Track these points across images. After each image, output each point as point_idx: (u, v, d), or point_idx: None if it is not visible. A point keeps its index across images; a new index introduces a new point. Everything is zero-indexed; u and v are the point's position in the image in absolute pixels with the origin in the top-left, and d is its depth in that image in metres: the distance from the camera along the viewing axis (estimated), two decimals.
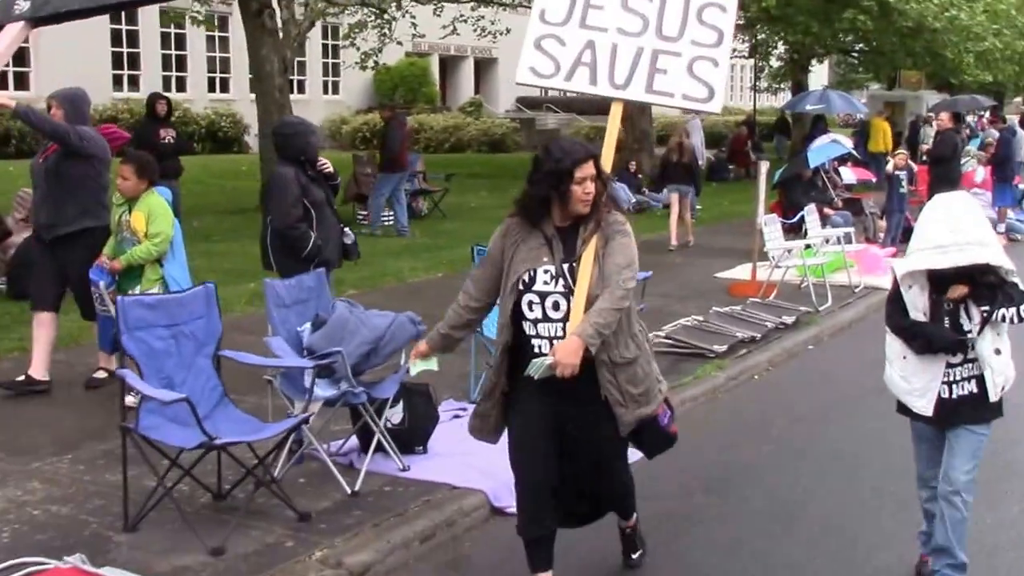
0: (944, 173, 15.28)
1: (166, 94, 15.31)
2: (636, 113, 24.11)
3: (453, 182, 20.27)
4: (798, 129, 33.27)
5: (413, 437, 6.40)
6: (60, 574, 4.80)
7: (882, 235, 15.38)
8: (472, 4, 25.80)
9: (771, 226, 12.18)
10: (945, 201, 4.67)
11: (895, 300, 4.77)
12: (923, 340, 4.66)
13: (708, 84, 5.35)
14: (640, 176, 21.49)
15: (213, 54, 36.64)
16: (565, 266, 4.46)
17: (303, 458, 6.12)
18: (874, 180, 17.74)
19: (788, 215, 13.43)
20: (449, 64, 45.63)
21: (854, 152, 17.48)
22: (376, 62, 25.46)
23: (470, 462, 6.13)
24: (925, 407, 4.71)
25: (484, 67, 46.75)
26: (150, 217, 7.29)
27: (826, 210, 14.47)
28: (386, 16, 23.76)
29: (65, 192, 7.75)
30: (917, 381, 4.72)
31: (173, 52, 35.34)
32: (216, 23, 30.10)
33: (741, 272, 13.11)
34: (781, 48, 32.49)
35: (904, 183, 15.08)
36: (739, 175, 26.56)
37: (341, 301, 6.55)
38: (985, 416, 4.72)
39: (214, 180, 23.28)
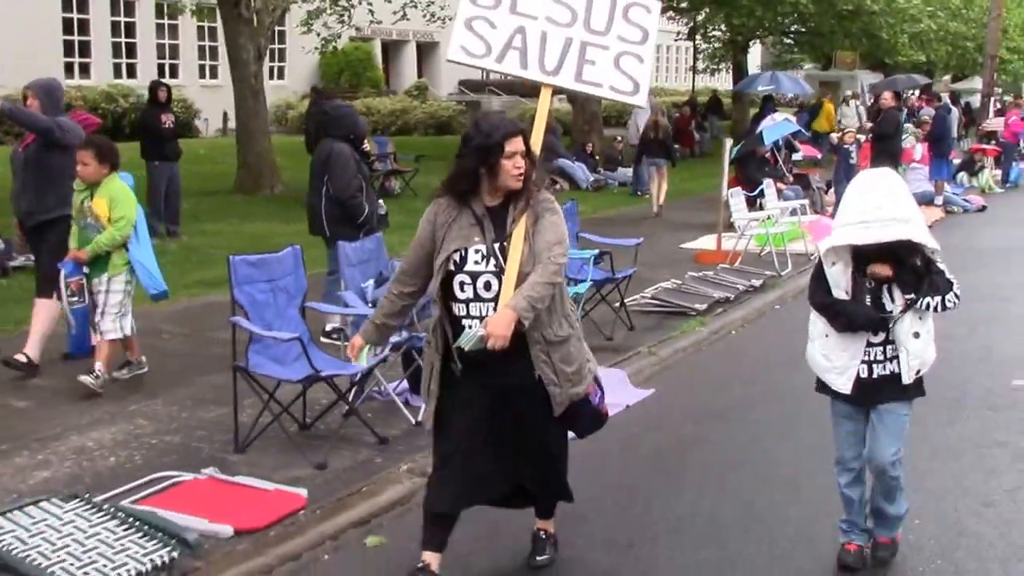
0: (887, 148, 16.43)
1: (164, 81, 15.93)
2: (584, 98, 25.09)
3: (422, 163, 21.15)
4: (738, 109, 34.59)
5: None
6: (199, 484, 5.71)
7: (830, 208, 16.52)
8: None
9: (736, 199, 13.26)
10: (870, 177, 4.70)
11: (818, 277, 4.77)
12: (844, 318, 4.66)
13: (633, 78, 5.50)
14: (596, 156, 22.46)
15: (163, 41, 37.01)
16: (496, 245, 4.44)
17: (368, 396, 7.03)
18: (819, 156, 18.93)
19: (746, 189, 14.50)
20: (392, 48, 46.21)
21: (803, 131, 18.67)
22: (335, 47, 26.10)
23: None
24: (844, 384, 4.73)
25: (426, 51, 47.36)
26: (112, 202, 7.24)
27: (779, 184, 15.57)
28: (343, 3, 24.39)
29: (45, 181, 7.91)
30: (837, 359, 4.74)
31: (123, 40, 35.65)
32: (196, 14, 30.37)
33: (705, 243, 14.15)
34: (720, 31, 33.66)
35: (854, 155, 16.26)
36: (684, 154, 27.65)
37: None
38: (906, 396, 4.75)
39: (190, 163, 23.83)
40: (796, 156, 18.05)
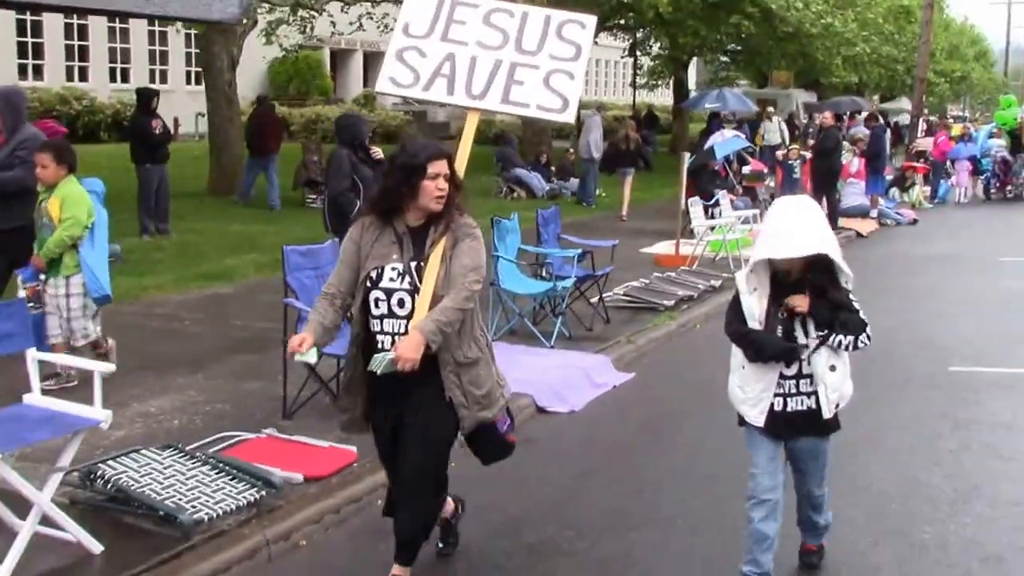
0: (828, 164, 17.68)
1: (154, 88, 16.61)
2: None
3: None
4: (678, 124, 35.90)
5: None
6: (261, 441, 6.55)
7: None
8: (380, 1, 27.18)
9: (696, 207, 14.35)
10: (787, 201, 4.75)
11: (735, 308, 4.76)
12: (754, 348, 4.66)
13: (563, 95, 5.50)
14: (551, 167, 23.45)
15: (115, 45, 37.41)
16: (413, 264, 4.49)
17: None
18: (765, 170, 20.15)
19: (700, 199, 15.56)
20: (340, 57, 46.98)
21: (752, 146, 19.89)
22: (297, 56, 26.76)
23: (515, 375, 8.00)
24: (757, 417, 4.71)
25: (373, 60, 48.17)
26: (64, 203, 7.22)
27: (730, 196, 16.71)
28: (304, 14, 25.08)
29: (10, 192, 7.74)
30: (751, 391, 4.73)
31: (76, 42, 36.01)
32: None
33: (663, 247, 15.19)
34: (657, 48, 34.91)
35: (797, 170, 17.46)
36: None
37: None
38: (823, 431, 4.77)
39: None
40: (745, 169, 19.24)
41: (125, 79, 37.48)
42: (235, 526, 5.30)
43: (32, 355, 5.16)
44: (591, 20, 5.76)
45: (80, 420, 4.93)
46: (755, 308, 4.65)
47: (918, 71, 30.92)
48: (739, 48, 33.54)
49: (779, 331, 4.62)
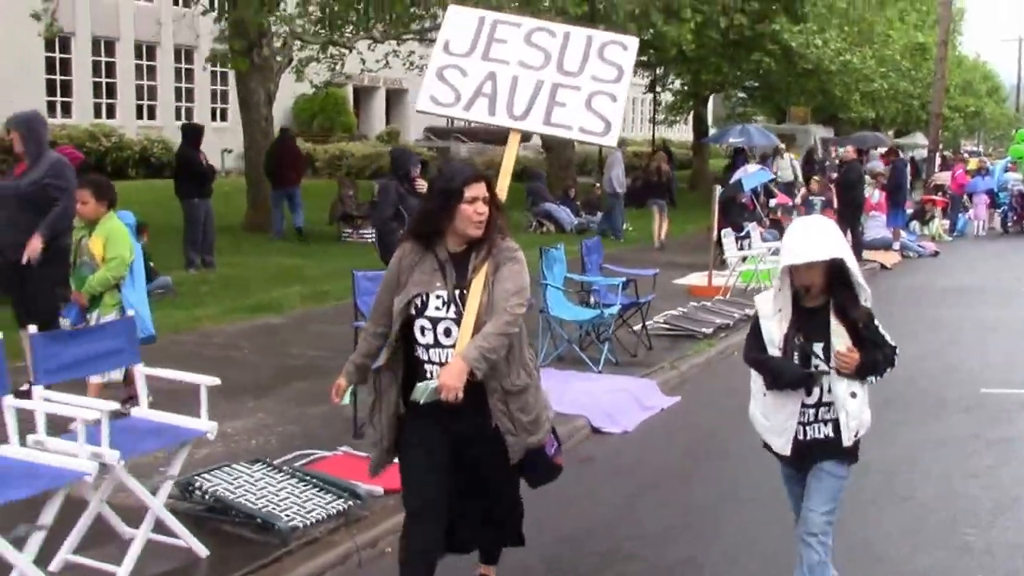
0: (851, 197, 18.08)
1: (199, 123, 17.10)
2: (559, 145, 26.56)
3: None
4: (698, 160, 36.38)
5: None
6: (337, 459, 6.91)
7: None
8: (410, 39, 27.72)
9: (728, 239, 14.75)
10: (805, 219, 4.77)
11: (754, 334, 4.69)
12: (772, 375, 4.57)
13: (605, 118, 5.35)
14: (579, 202, 23.88)
15: (141, 82, 38.05)
16: (457, 292, 4.40)
17: None
18: (791, 204, 20.57)
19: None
20: (362, 94, 47.66)
21: (777, 179, 20.33)
22: (326, 92, 27.29)
23: (570, 398, 8.39)
24: (783, 446, 4.64)
25: (395, 97, 48.91)
26: (108, 241, 7.13)
27: (758, 228, 17.12)
28: (334, 51, 25.63)
29: (38, 216, 7.82)
30: (774, 419, 4.65)
31: (104, 80, 36.67)
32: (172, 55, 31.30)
33: (695, 279, 15.57)
34: (678, 83, 35.44)
35: (818, 206, 17.86)
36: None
37: None
38: (842, 458, 4.61)
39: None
40: (771, 202, 19.66)
41: (152, 116, 38.17)
42: (326, 534, 5.67)
43: (139, 371, 5.55)
44: (633, 42, 5.62)
45: (188, 431, 5.32)
46: (775, 333, 4.54)
47: (933, 106, 31.37)
48: (757, 84, 34.02)
49: (795, 357, 4.49)
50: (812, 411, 4.58)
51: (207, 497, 5.78)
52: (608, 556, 5.85)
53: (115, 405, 4.95)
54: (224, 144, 37.49)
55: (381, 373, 4.52)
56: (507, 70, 5.38)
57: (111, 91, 36.98)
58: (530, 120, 5.31)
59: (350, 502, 5.92)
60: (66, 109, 35.29)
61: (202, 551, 5.30)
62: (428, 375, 4.40)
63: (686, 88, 35.22)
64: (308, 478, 6.14)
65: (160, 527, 5.26)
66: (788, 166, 26.23)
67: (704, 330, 11.51)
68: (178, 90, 39.48)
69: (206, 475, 5.99)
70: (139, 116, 37.72)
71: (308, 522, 5.62)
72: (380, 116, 48.50)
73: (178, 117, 38.98)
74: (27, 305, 7.80)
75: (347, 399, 4.77)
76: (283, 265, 15.76)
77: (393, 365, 4.48)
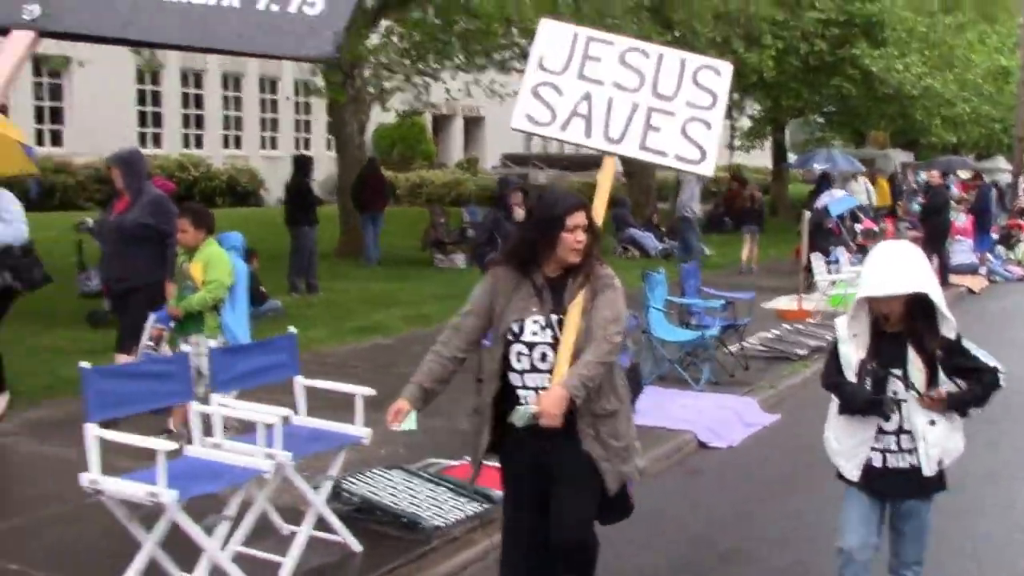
0: (937, 222, 18.24)
1: (308, 154, 17.85)
2: (640, 171, 26.92)
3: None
4: (777, 185, 36.50)
5: None
6: (465, 467, 7.31)
7: None
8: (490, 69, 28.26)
9: (818, 263, 15.02)
10: (888, 245, 4.68)
11: (832, 358, 4.67)
12: (844, 399, 4.55)
13: (701, 146, 5.23)
14: (661, 228, 24.22)
15: (228, 113, 39.12)
16: (554, 317, 4.41)
17: None
18: (876, 229, 20.73)
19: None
20: (441, 122, 48.44)
21: (863, 204, 20.56)
22: (412, 120, 27.93)
23: (675, 414, 8.76)
24: (852, 471, 4.59)
25: (472, 125, 49.66)
26: (207, 265, 7.37)
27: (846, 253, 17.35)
28: (418, 81, 26.27)
29: (138, 249, 8.09)
30: (846, 443, 4.60)
31: (192, 111, 37.79)
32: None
33: (783, 303, 15.83)
34: (756, 109, 35.62)
35: (906, 229, 18.08)
36: (733, 226, 29.34)
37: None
38: (925, 493, 4.57)
39: (269, 231, 25.63)
40: (857, 227, 19.84)
41: (238, 146, 39.18)
42: (464, 533, 6.11)
43: (299, 382, 6.03)
44: (727, 68, 5.46)
45: (345, 436, 5.79)
46: (851, 357, 4.51)
47: (1017, 130, 31.21)
48: (835, 109, 34.09)
49: (868, 383, 4.45)
50: (892, 438, 4.50)
51: (354, 499, 6.24)
52: (725, 557, 6.22)
53: (287, 411, 5.43)
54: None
55: (481, 395, 4.56)
56: (602, 91, 5.27)
57: (199, 122, 38.07)
58: (625, 144, 5.23)
59: (484, 504, 6.34)
60: (156, 140, 36.40)
61: (356, 546, 5.76)
62: (523, 401, 4.40)
63: (763, 114, 35.40)
64: (443, 482, 6.58)
65: (317, 524, 5.72)
66: (863, 190, 26.35)
67: (799, 351, 11.81)
68: (263, 121, 40.50)
69: (351, 479, 6.45)
70: (225, 146, 38.76)
71: (448, 522, 6.07)
72: (459, 144, 49.25)
73: (263, 147, 40.07)
74: (129, 330, 8.08)
75: (411, 424, 4.53)
76: (381, 289, 16.31)
77: (493, 391, 4.50)
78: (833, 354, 4.69)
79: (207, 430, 5.51)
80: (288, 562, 5.39)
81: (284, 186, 17.34)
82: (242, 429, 6.04)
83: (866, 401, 4.46)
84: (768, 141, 38.53)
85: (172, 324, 7.49)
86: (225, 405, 5.51)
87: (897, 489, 4.55)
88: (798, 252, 17.07)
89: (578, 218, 4.39)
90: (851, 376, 4.53)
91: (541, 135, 5.47)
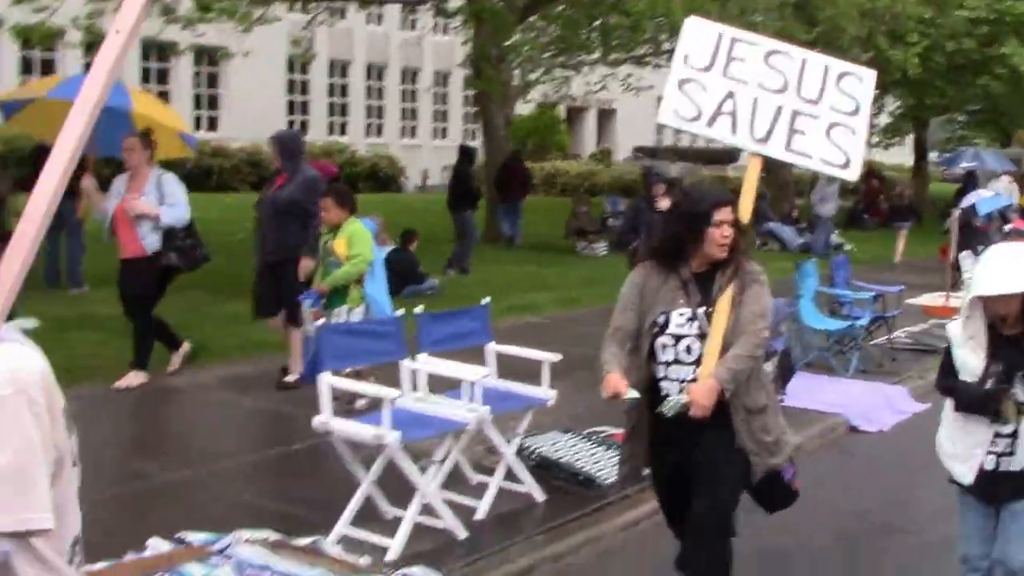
0: None
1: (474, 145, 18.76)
2: (777, 167, 26.98)
3: None
4: (917, 183, 36.08)
5: (779, 383, 9.39)
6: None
7: None
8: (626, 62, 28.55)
9: (966, 261, 15.10)
10: (1004, 245, 4.67)
11: (946, 361, 4.64)
12: (957, 399, 4.51)
13: (845, 151, 5.24)
14: (800, 222, 24.32)
15: (371, 102, 40.28)
16: (700, 310, 4.46)
17: None
18: None
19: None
20: (574, 114, 48.94)
21: (1014, 204, 20.33)
22: (547, 113, 28.45)
23: (826, 398, 9.13)
24: (965, 474, 4.52)
25: (605, 117, 50.06)
26: (350, 241, 7.86)
27: None
28: (559, 74, 26.77)
29: (291, 224, 8.65)
30: (960, 445, 4.53)
31: (338, 100, 39.04)
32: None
33: (928, 299, 15.96)
34: (894, 105, 35.24)
35: None
36: (873, 223, 29.23)
37: None
38: None
39: (417, 215, 26.48)
40: (1006, 227, 19.68)
41: (379, 134, 40.31)
42: (636, 492, 6.57)
43: (491, 348, 6.62)
44: (870, 75, 5.45)
45: (533, 398, 6.34)
46: (967, 360, 4.44)
47: None
48: (980, 108, 33.58)
49: (990, 385, 4.34)
50: (1007, 441, 4.42)
51: (533, 456, 6.79)
52: (884, 529, 6.59)
53: (486, 370, 6.02)
54: (443, 161, 39.37)
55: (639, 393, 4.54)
56: (747, 91, 5.28)
57: (344, 110, 39.30)
58: (771, 145, 5.23)
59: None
60: (304, 127, 37.66)
61: (539, 496, 6.32)
62: (664, 392, 4.48)
63: (905, 111, 35.05)
64: (614, 445, 7.08)
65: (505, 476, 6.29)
66: (1007, 189, 25.92)
67: (946, 346, 11.98)
68: (403, 110, 41.57)
69: (530, 439, 7.00)
70: (367, 134, 39.92)
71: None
72: (592, 135, 49.69)
73: (402, 135, 41.13)
74: (282, 299, 8.75)
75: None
76: (528, 273, 16.89)
77: (642, 382, 4.54)
78: (947, 358, 4.65)
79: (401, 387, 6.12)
80: (483, 505, 5.97)
81: (449, 173, 18.16)
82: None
83: (979, 396, 4.38)
84: (907, 138, 38.08)
85: (322, 302, 8.01)
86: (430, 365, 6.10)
87: (1008, 492, 4.48)
88: (943, 250, 17.12)
89: (725, 213, 4.44)
90: (967, 379, 4.47)
91: (688, 130, 5.55)
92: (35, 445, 1.85)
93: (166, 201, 8.54)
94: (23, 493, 1.82)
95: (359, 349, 5.82)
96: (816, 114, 5.26)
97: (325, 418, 5.48)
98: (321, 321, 8.05)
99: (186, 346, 9.25)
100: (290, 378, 8.74)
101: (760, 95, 5.27)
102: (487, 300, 6.93)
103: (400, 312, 6.60)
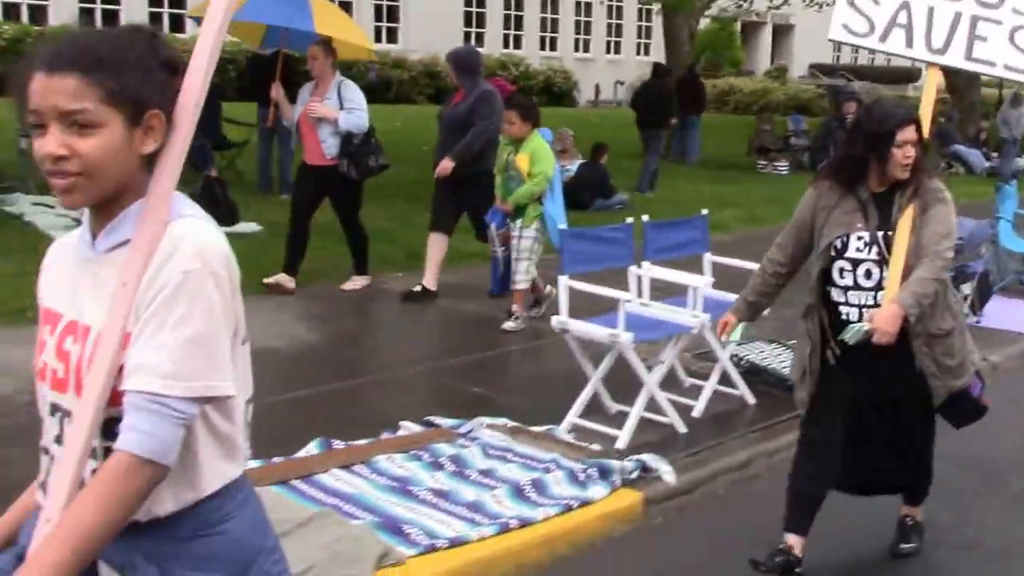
0: None
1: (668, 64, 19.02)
2: (964, 87, 26.18)
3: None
4: None
5: (976, 305, 9.53)
6: None
7: None
8: None
9: None
10: None
11: None
12: None
13: None
14: (988, 145, 23.72)
15: (545, 16, 40.42)
16: (879, 233, 4.32)
17: None
18: None
19: None
20: (749, 29, 48.11)
21: None
22: (723, 28, 28.08)
23: (1022, 320, 9.26)
24: None
25: (781, 33, 49.03)
26: (533, 158, 7.96)
27: None
28: None
29: (459, 139, 8.77)
30: None
31: (512, 13, 39.32)
32: None
33: None
34: None
35: None
36: None
37: None
38: None
39: (594, 129, 26.75)
40: None
41: (553, 48, 40.48)
42: None
43: (708, 258, 7.05)
44: None
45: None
46: None
47: None
48: None
49: None
50: None
51: (743, 363, 7.21)
52: None
53: (708, 279, 6.45)
54: (616, 77, 39.42)
55: (809, 316, 4.52)
56: (921, 0, 5.05)
57: (519, 23, 39.57)
58: (950, 55, 5.00)
59: None
60: (480, 39, 38.13)
61: (751, 399, 6.75)
62: (844, 317, 4.37)
63: None
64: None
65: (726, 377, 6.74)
66: None
67: None
68: (577, 23, 41.57)
69: (740, 347, 7.42)
70: (541, 48, 40.15)
71: None
72: (766, 52, 48.81)
73: (575, 49, 41.19)
74: (459, 213, 9.07)
75: (737, 335, 4.92)
76: (711, 191, 17.09)
77: (817, 307, 4.47)
78: None
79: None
80: (699, 404, 6.45)
81: (634, 90, 18.35)
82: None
83: None
84: None
85: (507, 221, 8.26)
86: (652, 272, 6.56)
87: None
88: None
89: (908, 133, 4.28)
90: None
91: (860, 46, 5.35)
92: (219, 317, 1.94)
93: (345, 107, 8.70)
94: (210, 361, 1.92)
95: (593, 255, 6.31)
96: (998, 18, 5.02)
97: (563, 318, 6.01)
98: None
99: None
100: (418, 287, 8.96)
101: (936, 3, 5.05)
102: (706, 211, 7.30)
103: (629, 220, 7.02)
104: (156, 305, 1.89)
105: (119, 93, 1.90)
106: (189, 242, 1.93)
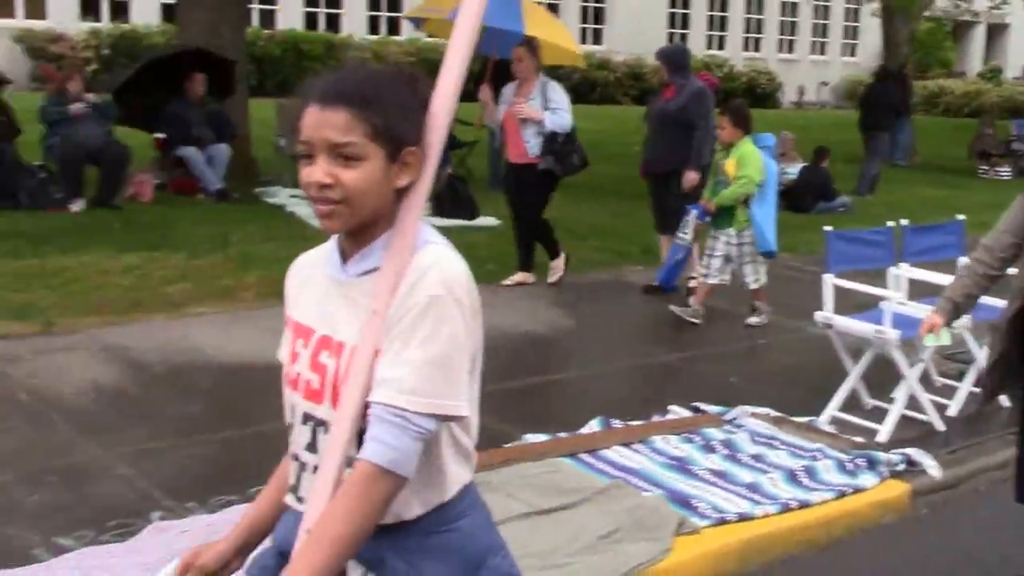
0: None
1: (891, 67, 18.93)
2: None
3: None
4: None
5: None
6: None
7: None
8: None
9: None
10: None
11: None
12: None
13: None
14: None
15: (750, 16, 40.12)
16: None
17: None
18: None
19: None
20: (961, 29, 46.55)
21: None
22: (935, 27, 27.22)
23: None
24: None
25: (995, 32, 47.24)
26: (740, 162, 8.05)
27: None
28: None
29: (679, 136, 9.00)
30: None
31: (717, 13, 39.19)
32: None
33: None
34: None
35: None
36: None
37: None
38: None
39: (801, 131, 26.45)
40: None
41: (756, 48, 40.16)
42: None
43: (962, 261, 7.16)
44: None
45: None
46: None
47: None
48: None
49: None
50: None
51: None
52: None
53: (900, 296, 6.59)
54: (821, 78, 38.86)
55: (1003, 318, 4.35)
56: None
57: (723, 24, 39.43)
58: None
59: None
60: (683, 40, 38.11)
61: (1006, 403, 6.84)
62: None
63: None
64: None
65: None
66: None
67: None
68: (782, 24, 41.12)
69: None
70: (745, 48, 39.89)
71: None
72: (979, 52, 47.13)
73: (779, 50, 40.75)
74: (670, 211, 9.18)
75: (945, 338, 4.75)
76: (931, 195, 16.80)
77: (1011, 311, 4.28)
78: None
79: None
80: (954, 404, 6.61)
81: (860, 94, 18.32)
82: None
83: None
84: None
85: (707, 218, 8.39)
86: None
87: None
88: None
89: None
90: None
91: None
92: (461, 342, 2.02)
93: (549, 107, 8.90)
94: (449, 382, 2.00)
95: (856, 255, 6.56)
96: None
97: (828, 313, 6.28)
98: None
99: (563, 257, 9.65)
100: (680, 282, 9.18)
101: None
102: (962, 217, 7.42)
103: (890, 224, 7.21)
104: (403, 324, 2.00)
105: (384, 130, 2.02)
106: (435, 270, 2.02)
